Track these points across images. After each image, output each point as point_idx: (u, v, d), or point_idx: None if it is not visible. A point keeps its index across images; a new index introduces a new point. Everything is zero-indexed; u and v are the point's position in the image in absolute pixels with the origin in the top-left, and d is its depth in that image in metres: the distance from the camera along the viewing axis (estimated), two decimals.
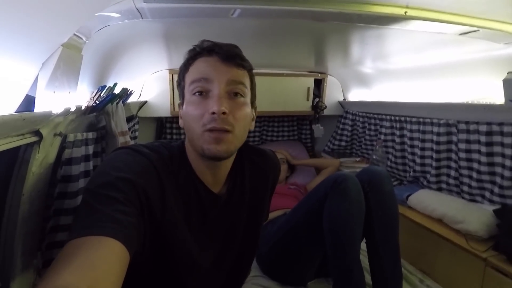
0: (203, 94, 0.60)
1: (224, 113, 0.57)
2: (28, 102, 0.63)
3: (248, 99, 0.65)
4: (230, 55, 0.61)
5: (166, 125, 2.15)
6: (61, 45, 0.62)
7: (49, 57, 0.61)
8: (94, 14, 0.66)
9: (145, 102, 1.91)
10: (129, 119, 1.54)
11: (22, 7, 0.45)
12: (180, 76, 0.66)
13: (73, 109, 0.78)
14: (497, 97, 1.21)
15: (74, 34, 0.67)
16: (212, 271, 0.72)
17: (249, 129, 0.67)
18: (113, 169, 0.54)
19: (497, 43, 1.02)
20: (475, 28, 0.87)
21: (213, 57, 0.61)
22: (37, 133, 0.67)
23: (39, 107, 0.64)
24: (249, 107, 0.65)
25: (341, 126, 2.27)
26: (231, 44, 0.63)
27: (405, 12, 0.81)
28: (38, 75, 0.61)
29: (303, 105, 2.18)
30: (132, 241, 0.48)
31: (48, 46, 0.60)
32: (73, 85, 0.76)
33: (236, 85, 0.61)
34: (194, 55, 0.63)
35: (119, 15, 0.76)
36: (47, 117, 0.66)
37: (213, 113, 0.56)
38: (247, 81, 0.64)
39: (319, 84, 2.19)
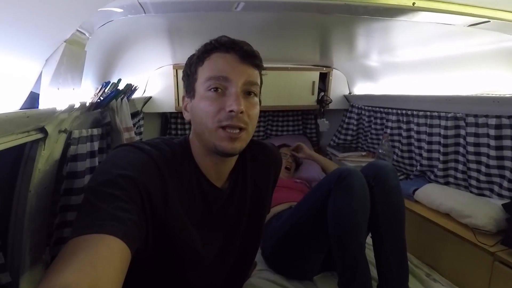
0: (218, 90, 0.60)
1: (241, 112, 0.58)
2: (33, 99, 0.63)
3: (258, 97, 0.66)
4: (248, 55, 0.61)
5: (171, 120, 2.15)
6: (64, 41, 0.62)
7: (52, 53, 0.61)
8: (96, 9, 0.65)
9: (150, 97, 1.91)
10: (134, 115, 1.54)
11: (23, 3, 0.44)
12: (191, 68, 0.65)
13: (77, 105, 0.78)
14: (507, 90, 1.19)
15: (77, 30, 0.67)
16: (215, 264, 0.73)
17: None
18: (114, 167, 0.54)
19: (508, 35, 0.99)
20: (486, 19, 0.85)
21: (230, 54, 0.61)
22: (42, 130, 0.67)
23: (44, 104, 0.64)
24: (259, 105, 0.66)
25: (346, 120, 2.25)
26: (245, 42, 0.63)
27: (413, 3, 0.79)
28: (41, 71, 0.61)
29: (308, 99, 2.16)
30: (133, 238, 0.48)
31: (51, 42, 0.60)
32: (77, 81, 0.76)
33: (251, 86, 0.62)
34: (210, 49, 0.62)
35: (121, 10, 0.75)
36: (51, 113, 0.66)
37: (231, 111, 0.58)
38: (259, 81, 0.66)
39: (324, 78, 2.17)
